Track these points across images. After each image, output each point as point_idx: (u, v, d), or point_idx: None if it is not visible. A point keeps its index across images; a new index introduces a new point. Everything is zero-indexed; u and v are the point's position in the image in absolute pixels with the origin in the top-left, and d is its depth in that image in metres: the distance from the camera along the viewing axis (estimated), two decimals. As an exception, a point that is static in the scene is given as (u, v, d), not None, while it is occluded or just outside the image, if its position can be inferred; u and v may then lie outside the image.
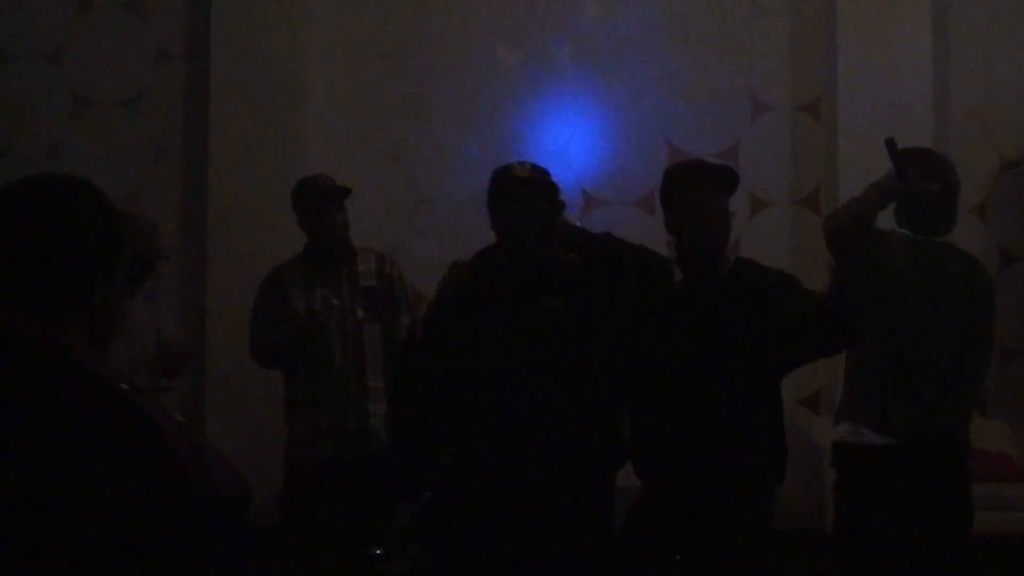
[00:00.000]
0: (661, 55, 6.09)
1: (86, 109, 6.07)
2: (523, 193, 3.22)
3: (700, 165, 3.58)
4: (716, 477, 3.16)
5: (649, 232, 5.85)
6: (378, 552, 4.26)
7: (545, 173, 3.30)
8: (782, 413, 3.35)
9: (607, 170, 5.87)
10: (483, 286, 3.21)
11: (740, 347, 3.14)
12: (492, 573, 3.07)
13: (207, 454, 1.41)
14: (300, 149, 5.72)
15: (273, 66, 5.72)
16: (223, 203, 5.67)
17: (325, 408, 4.16)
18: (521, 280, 3.18)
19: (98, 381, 1.38)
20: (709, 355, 3.16)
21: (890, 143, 3.50)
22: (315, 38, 5.90)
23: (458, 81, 6.05)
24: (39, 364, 1.38)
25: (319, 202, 4.25)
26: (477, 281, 3.24)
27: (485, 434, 3.09)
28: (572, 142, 5.94)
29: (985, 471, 5.12)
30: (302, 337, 4.11)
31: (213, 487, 1.38)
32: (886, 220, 3.73)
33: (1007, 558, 5.07)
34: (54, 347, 1.40)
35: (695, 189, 3.27)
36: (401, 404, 3.35)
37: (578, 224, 3.19)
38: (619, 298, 3.14)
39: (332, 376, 4.15)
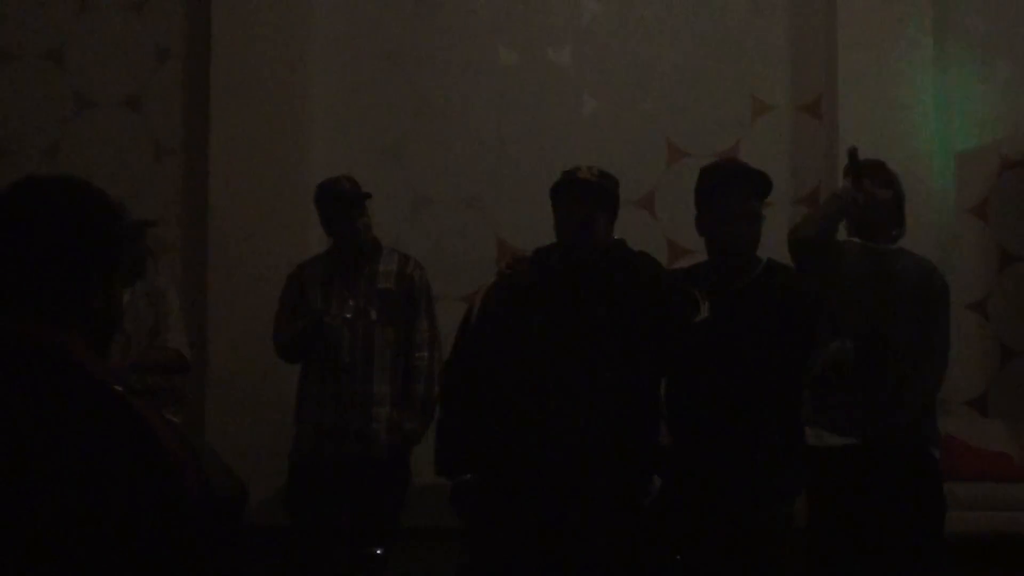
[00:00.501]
0: (661, 55, 6.09)
1: (86, 109, 6.07)
2: (571, 194, 3.19)
3: (733, 167, 3.58)
4: (736, 484, 3.18)
5: (650, 232, 5.87)
6: (379, 552, 4.27)
7: (610, 181, 3.27)
8: (802, 424, 3.36)
9: (608, 169, 5.86)
10: (533, 286, 3.20)
11: (766, 354, 3.16)
12: (523, 565, 3.09)
13: (203, 456, 1.40)
14: (300, 149, 5.72)
15: (273, 66, 5.71)
16: (223, 203, 5.67)
17: (329, 407, 4.18)
18: (568, 284, 3.18)
19: (94, 383, 1.37)
20: (735, 361, 3.18)
21: (852, 153, 3.56)
22: (315, 38, 5.90)
23: (458, 81, 6.05)
24: (35, 366, 1.37)
25: (340, 207, 4.26)
26: (530, 279, 3.23)
27: (523, 435, 3.09)
28: (572, 143, 5.93)
29: (985, 471, 5.13)
30: (306, 335, 4.13)
31: (208, 489, 1.37)
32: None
33: (1007, 558, 5.07)
34: (50, 349, 1.39)
35: (724, 190, 3.29)
36: (448, 392, 3.36)
37: (617, 238, 3.20)
38: (657, 313, 3.14)
39: (339, 376, 4.16)
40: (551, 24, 6.09)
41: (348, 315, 4.17)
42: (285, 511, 4.31)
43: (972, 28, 6.04)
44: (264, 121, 5.65)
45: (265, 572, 4.31)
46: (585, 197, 3.18)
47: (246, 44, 5.72)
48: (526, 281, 3.23)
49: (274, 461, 4.57)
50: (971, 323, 5.96)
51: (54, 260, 1.44)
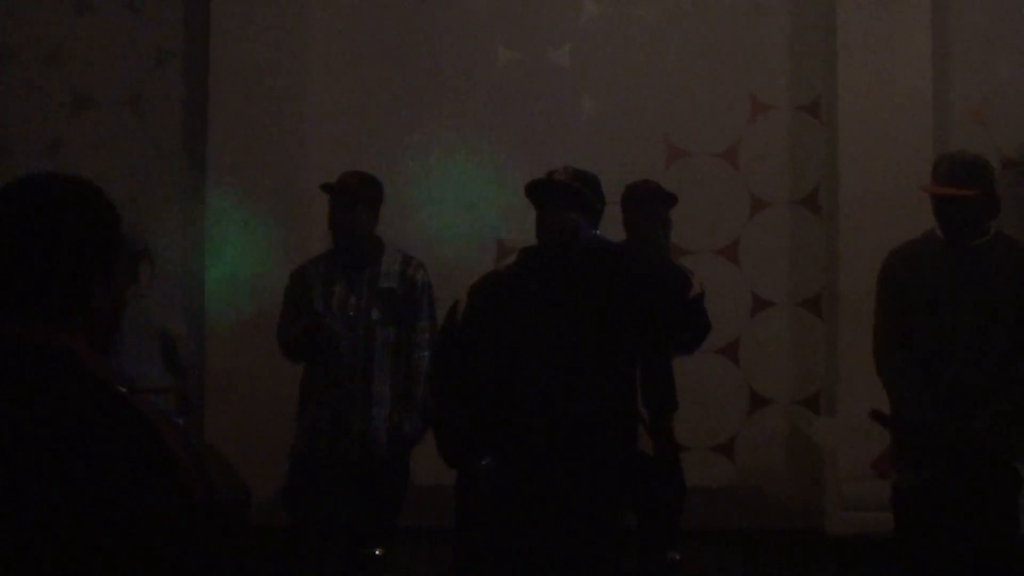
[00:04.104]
0: (661, 55, 6.09)
1: (86, 109, 6.07)
2: (550, 196, 3.34)
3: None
4: None
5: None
6: (378, 552, 4.26)
7: (583, 180, 3.38)
8: None
9: (607, 170, 5.83)
10: (521, 283, 3.32)
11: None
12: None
13: (206, 458, 1.40)
14: (300, 149, 5.72)
15: (273, 66, 5.71)
16: (222, 203, 5.67)
17: (329, 406, 4.16)
18: (557, 278, 3.28)
19: (98, 384, 1.36)
20: None
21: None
22: (315, 38, 5.90)
23: (458, 81, 6.05)
24: (39, 367, 1.37)
25: (336, 201, 4.28)
26: (517, 277, 3.35)
27: (519, 433, 3.18)
28: (571, 143, 5.94)
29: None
30: (307, 336, 4.12)
31: (212, 491, 1.37)
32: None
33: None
34: (53, 350, 1.38)
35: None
36: (441, 385, 3.43)
37: (597, 233, 3.31)
38: (636, 301, 3.27)
39: (340, 375, 4.15)
40: (550, 24, 6.09)
41: (351, 312, 4.17)
42: (284, 508, 4.30)
43: (972, 28, 6.03)
44: (263, 121, 5.65)
45: (265, 573, 4.31)
46: (564, 199, 3.29)
47: (245, 44, 5.72)
48: (513, 277, 3.36)
49: (273, 462, 4.57)
50: (971, 323, 5.96)
51: (54, 259, 1.43)
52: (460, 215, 5.97)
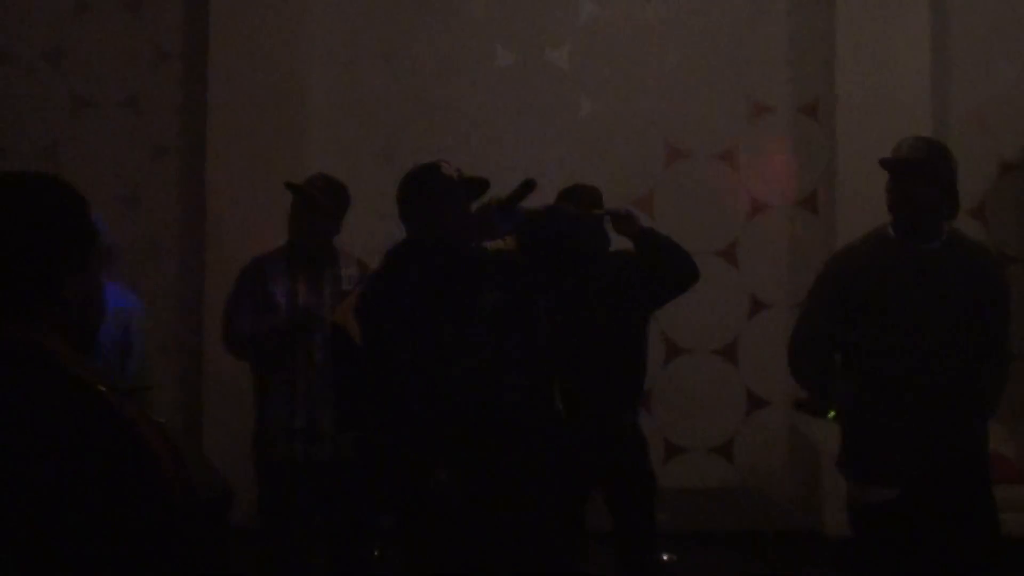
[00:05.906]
0: (660, 55, 6.08)
1: (85, 109, 6.07)
2: (459, 194, 3.27)
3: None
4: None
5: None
6: (376, 553, 4.25)
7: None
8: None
9: (606, 170, 5.85)
10: (414, 283, 3.18)
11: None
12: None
13: (188, 456, 1.39)
14: (299, 149, 5.72)
15: (272, 66, 5.71)
16: (222, 203, 5.66)
17: (300, 407, 4.10)
18: (456, 276, 3.19)
19: (74, 381, 1.35)
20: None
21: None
22: (315, 38, 5.90)
23: (456, 82, 6.05)
24: (12, 364, 1.36)
25: (294, 201, 4.24)
26: (405, 279, 3.21)
27: (434, 432, 3.10)
28: (570, 144, 5.93)
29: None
30: (294, 331, 4.06)
31: (192, 489, 1.36)
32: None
33: (1007, 560, 5.05)
34: (27, 347, 1.38)
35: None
36: (349, 405, 3.33)
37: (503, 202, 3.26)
38: (554, 274, 3.28)
39: (309, 375, 4.09)
40: (549, 25, 6.09)
41: (317, 313, 4.11)
42: (260, 515, 4.23)
43: (972, 28, 6.03)
44: (262, 121, 5.65)
45: (263, 573, 4.30)
46: (467, 196, 3.29)
47: (244, 44, 5.72)
48: (386, 282, 3.22)
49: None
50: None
51: (19, 256, 1.42)
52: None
